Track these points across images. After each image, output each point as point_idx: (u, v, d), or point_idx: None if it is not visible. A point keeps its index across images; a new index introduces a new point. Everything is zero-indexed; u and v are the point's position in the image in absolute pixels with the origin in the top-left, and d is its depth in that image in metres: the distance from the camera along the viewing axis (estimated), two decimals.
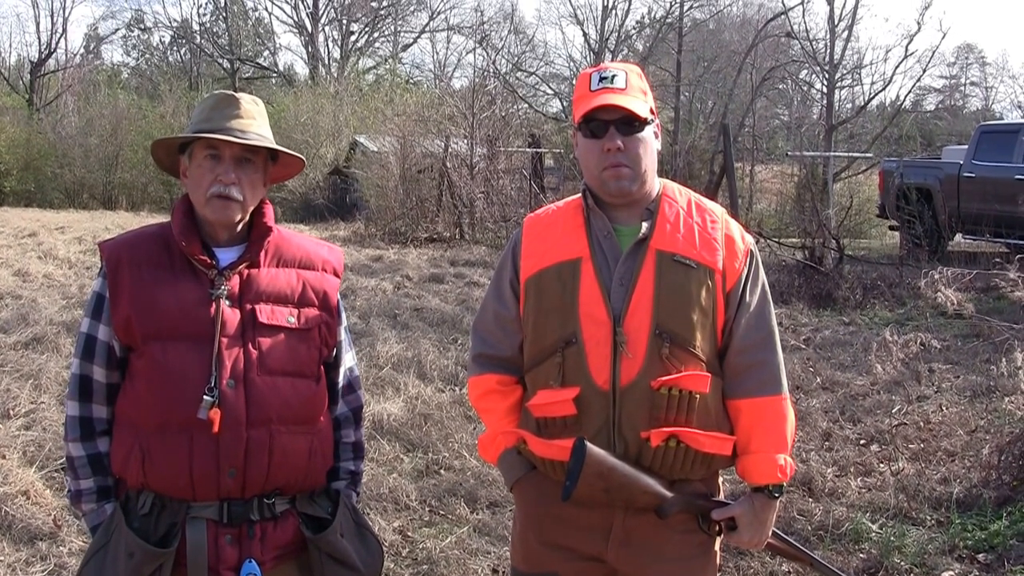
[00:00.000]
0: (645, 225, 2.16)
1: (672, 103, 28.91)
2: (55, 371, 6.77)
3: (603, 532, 2.15)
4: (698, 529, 2.18)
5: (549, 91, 34.67)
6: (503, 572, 4.06)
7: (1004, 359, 5.79)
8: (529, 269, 2.21)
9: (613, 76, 2.16)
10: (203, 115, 2.16)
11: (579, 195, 2.26)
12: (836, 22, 26.64)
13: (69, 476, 2.18)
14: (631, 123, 2.14)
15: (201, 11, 51.22)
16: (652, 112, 2.19)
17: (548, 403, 2.12)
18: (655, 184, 2.24)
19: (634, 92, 2.16)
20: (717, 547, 2.26)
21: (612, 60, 31.28)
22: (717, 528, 2.18)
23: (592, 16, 35.37)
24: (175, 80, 37.08)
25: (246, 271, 2.16)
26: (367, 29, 43.96)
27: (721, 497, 2.24)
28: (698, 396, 2.08)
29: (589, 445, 1.98)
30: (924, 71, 29.45)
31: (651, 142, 2.18)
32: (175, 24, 44.88)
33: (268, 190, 2.25)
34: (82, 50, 43.96)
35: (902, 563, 4.04)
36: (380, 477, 5.02)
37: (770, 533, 2.21)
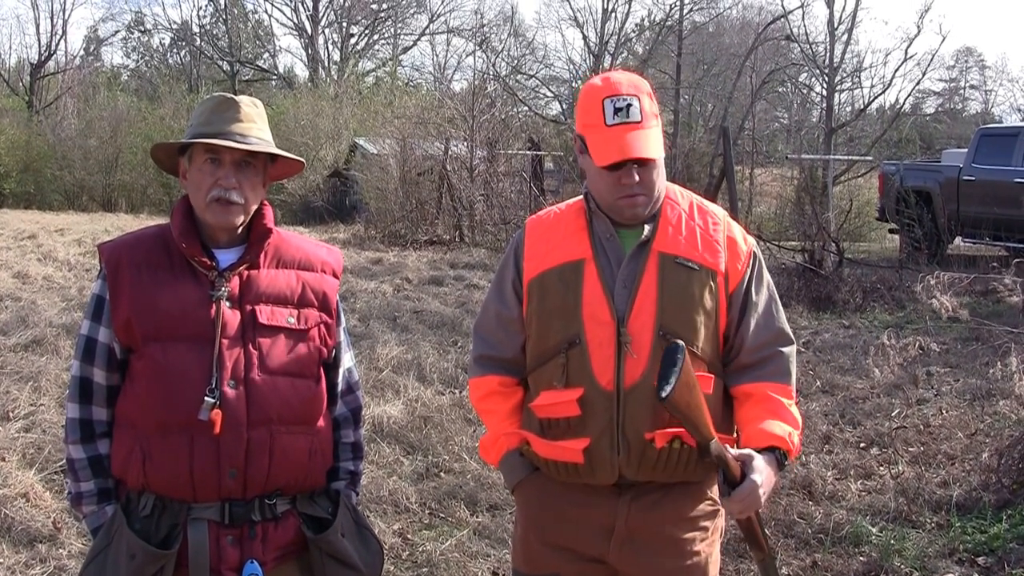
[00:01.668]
0: (647, 228, 2.16)
1: (672, 106, 28.95)
2: (55, 373, 6.77)
3: (605, 532, 2.14)
4: (699, 531, 2.18)
5: (549, 94, 34.74)
6: (503, 574, 4.06)
7: (1000, 363, 5.79)
8: (532, 270, 2.21)
9: (628, 106, 2.09)
10: (203, 118, 2.15)
11: (580, 198, 2.26)
12: (836, 25, 26.78)
13: (69, 478, 2.18)
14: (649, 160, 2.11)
15: (201, 13, 51.40)
16: (655, 115, 2.17)
17: (552, 404, 2.12)
18: None
19: (650, 123, 2.11)
20: (717, 551, 2.26)
21: (612, 63, 31.36)
22: (724, 485, 2.06)
23: (592, 19, 35.44)
24: (175, 82, 37.09)
25: (246, 272, 2.16)
26: (367, 32, 44.00)
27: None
28: None
29: (687, 353, 1.93)
30: (924, 74, 29.54)
31: (662, 163, 2.16)
32: (175, 26, 44.96)
33: (267, 191, 2.25)
34: (82, 52, 44.05)
35: (902, 566, 4.03)
36: (380, 480, 5.02)
37: (764, 500, 2.09)
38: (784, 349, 2.19)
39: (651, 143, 2.10)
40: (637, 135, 2.08)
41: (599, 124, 2.10)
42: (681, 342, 1.95)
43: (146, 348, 2.08)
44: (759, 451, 2.07)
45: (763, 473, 2.03)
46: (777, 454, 2.08)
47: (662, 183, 2.18)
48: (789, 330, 2.23)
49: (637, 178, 2.10)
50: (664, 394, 1.89)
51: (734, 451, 2.05)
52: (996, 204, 12.25)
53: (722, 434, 2.12)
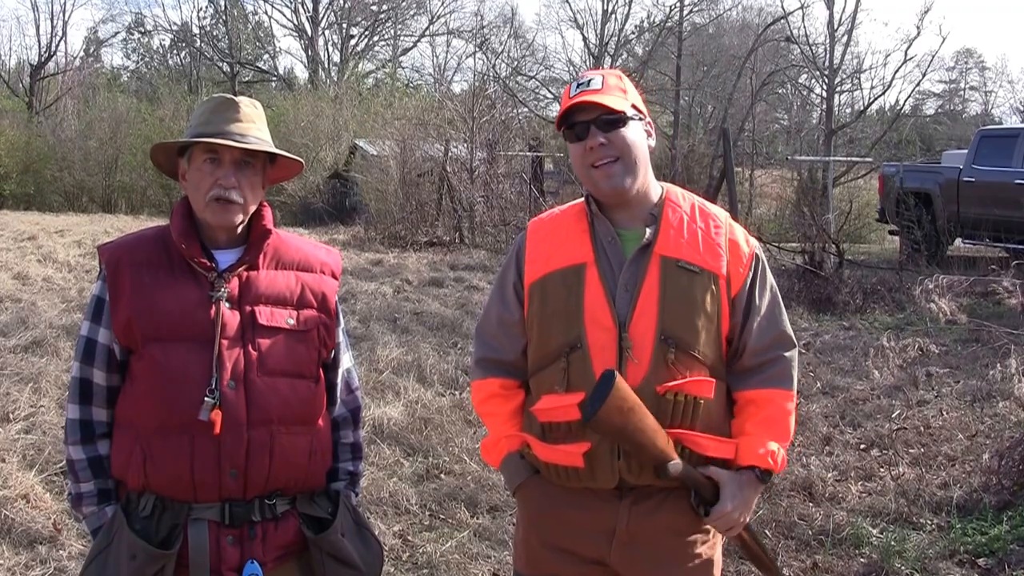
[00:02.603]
0: (648, 230, 2.16)
1: (672, 107, 28.95)
2: (55, 374, 6.76)
3: (606, 535, 2.14)
4: (700, 533, 2.17)
5: (549, 95, 34.68)
6: None
7: (1000, 364, 5.80)
8: (534, 273, 2.21)
9: (589, 80, 2.17)
10: (202, 118, 2.16)
11: (582, 200, 2.26)
12: (836, 27, 26.77)
13: (70, 479, 2.18)
14: (612, 121, 2.13)
15: (201, 14, 51.48)
16: (636, 109, 2.19)
17: (552, 408, 2.11)
18: (655, 186, 2.24)
19: (611, 91, 2.16)
20: (719, 555, 2.26)
21: (612, 64, 31.39)
22: (700, 505, 2.13)
23: (592, 20, 35.38)
24: (175, 83, 37.13)
25: (245, 273, 2.17)
26: (367, 33, 44.00)
27: None
28: (702, 401, 2.08)
29: (619, 379, 1.96)
30: (924, 76, 29.50)
31: (638, 137, 2.17)
32: (175, 27, 45.01)
33: (267, 193, 2.25)
34: (82, 53, 44.07)
35: (903, 568, 4.03)
36: (380, 481, 5.01)
37: (748, 519, 2.17)
38: (786, 353, 2.19)
39: (604, 97, 2.13)
40: (591, 94, 2.14)
41: (564, 100, 2.18)
42: (614, 371, 1.99)
43: (146, 349, 2.08)
44: (741, 469, 2.12)
45: (736, 497, 2.10)
46: (757, 472, 2.13)
47: (642, 157, 2.17)
48: (792, 333, 2.23)
49: (603, 140, 2.12)
50: (585, 418, 1.96)
51: (706, 469, 2.10)
52: (996, 205, 12.25)
53: (728, 439, 2.13)
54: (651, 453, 2.02)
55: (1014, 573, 3.95)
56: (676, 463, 2.04)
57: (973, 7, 70.95)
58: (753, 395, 2.16)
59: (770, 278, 2.24)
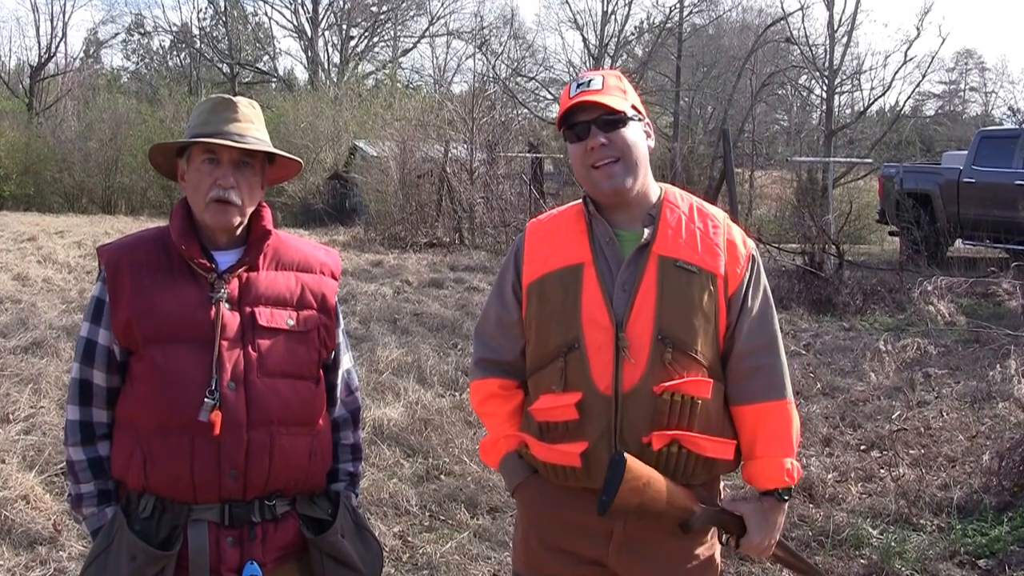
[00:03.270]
0: (647, 230, 2.15)
1: (671, 108, 28.96)
2: (55, 375, 6.76)
3: (604, 536, 2.14)
4: (699, 535, 2.17)
5: (549, 96, 34.67)
6: None
7: (1000, 365, 5.79)
8: (532, 274, 2.21)
9: (589, 81, 2.18)
10: (201, 119, 2.16)
11: (580, 201, 2.26)
12: (835, 27, 26.73)
13: (70, 480, 2.18)
14: (613, 121, 2.14)
15: (201, 15, 51.43)
16: (636, 109, 2.19)
17: (550, 408, 2.11)
18: (654, 187, 2.24)
19: (611, 91, 2.16)
20: (718, 555, 2.26)
21: (611, 66, 31.41)
22: (728, 538, 2.17)
23: (592, 21, 35.34)
24: (175, 84, 37.15)
25: (245, 274, 2.17)
26: (367, 34, 44.03)
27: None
28: (700, 401, 2.08)
29: (629, 458, 1.98)
30: (923, 76, 29.49)
31: (638, 138, 2.17)
32: (175, 28, 45.01)
33: (267, 194, 2.25)
34: (82, 54, 44.15)
35: (903, 569, 4.03)
36: (380, 482, 5.01)
37: (778, 538, 2.20)
38: (775, 361, 2.18)
39: (605, 97, 2.13)
40: (592, 94, 2.14)
41: (564, 102, 2.18)
42: (623, 453, 2.00)
43: (146, 350, 2.08)
44: (761, 495, 2.16)
45: (762, 528, 2.15)
46: (778, 494, 2.16)
47: (642, 157, 2.17)
48: (780, 338, 2.22)
49: (603, 140, 2.12)
50: (602, 508, 1.99)
51: (726, 503, 2.16)
52: (996, 206, 12.26)
53: (726, 439, 2.13)
54: (672, 516, 2.05)
55: (1014, 574, 3.95)
56: (698, 515, 2.08)
57: (973, 7, 71.11)
58: (749, 410, 2.15)
59: (764, 282, 2.23)
